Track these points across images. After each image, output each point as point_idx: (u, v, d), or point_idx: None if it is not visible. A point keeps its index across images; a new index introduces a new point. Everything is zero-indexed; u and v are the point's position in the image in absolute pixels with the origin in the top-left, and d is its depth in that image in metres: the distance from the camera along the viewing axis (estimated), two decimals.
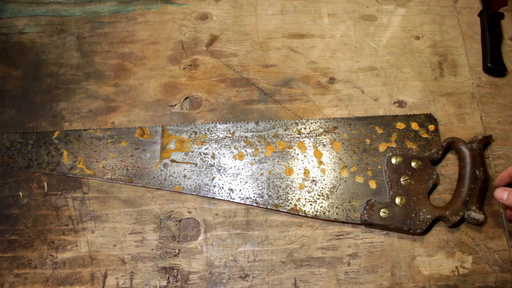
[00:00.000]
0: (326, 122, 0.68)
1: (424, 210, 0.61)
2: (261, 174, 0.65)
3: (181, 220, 0.64)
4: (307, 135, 0.67)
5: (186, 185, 0.65)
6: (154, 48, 0.74)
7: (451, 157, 0.66)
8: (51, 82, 0.72)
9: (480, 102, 0.70)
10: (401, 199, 0.62)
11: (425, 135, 0.67)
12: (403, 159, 0.64)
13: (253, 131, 0.68)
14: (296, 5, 0.77)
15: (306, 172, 0.65)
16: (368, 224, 0.62)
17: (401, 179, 0.63)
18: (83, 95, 0.71)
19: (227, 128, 0.68)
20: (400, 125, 0.67)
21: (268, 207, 0.63)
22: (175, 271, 0.61)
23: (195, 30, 0.75)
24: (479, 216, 0.60)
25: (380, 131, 0.67)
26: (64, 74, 0.72)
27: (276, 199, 0.64)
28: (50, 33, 0.75)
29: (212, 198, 0.64)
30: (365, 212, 0.62)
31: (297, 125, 0.68)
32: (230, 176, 0.65)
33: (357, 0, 0.77)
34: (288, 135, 0.67)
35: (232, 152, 0.66)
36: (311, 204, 0.63)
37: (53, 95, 0.71)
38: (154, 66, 0.72)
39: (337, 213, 0.62)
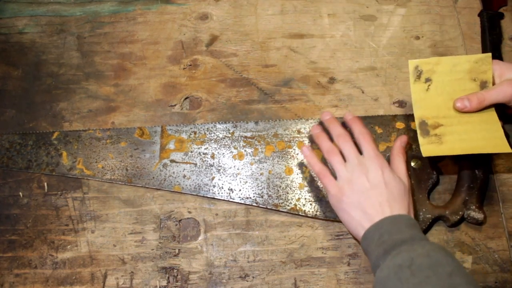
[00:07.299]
0: None
1: (423, 209, 0.61)
2: (261, 174, 0.65)
3: (181, 220, 0.64)
4: (307, 135, 0.67)
5: (186, 185, 0.65)
6: (154, 48, 0.74)
7: (451, 157, 0.66)
8: (51, 82, 0.72)
9: None
10: None
11: None
12: None
13: (252, 131, 0.68)
14: (296, 5, 0.77)
15: (306, 171, 0.65)
16: None
17: None
18: (83, 95, 0.71)
19: (226, 128, 0.68)
20: (400, 125, 0.67)
21: (268, 207, 0.63)
22: (175, 271, 0.61)
23: (195, 30, 0.75)
24: (478, 215, 0.60)
25: (379, 130, 0.67)
26: (64, 74, 0.72)
27: (276, 198, 0.64)
28: (50, 33, 0.75)
29: (212, 198, 0.64)
30: None
31: (297, 125, 0.68)
32: (230, 176, 0.65)
33: (357, 0, 0.77)
34: (287, 135, 0.67)
35: (231, 152, 0.66)
36: (311, 204, 0.63)
37: (53, 95, 0.71)
38: (154, 66, 0.72)
39: None
